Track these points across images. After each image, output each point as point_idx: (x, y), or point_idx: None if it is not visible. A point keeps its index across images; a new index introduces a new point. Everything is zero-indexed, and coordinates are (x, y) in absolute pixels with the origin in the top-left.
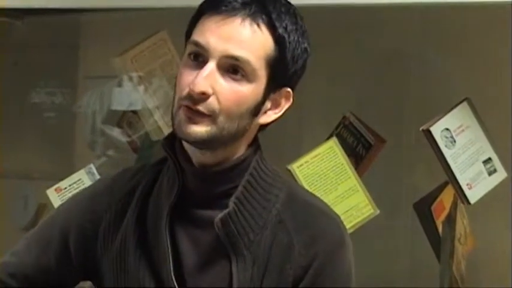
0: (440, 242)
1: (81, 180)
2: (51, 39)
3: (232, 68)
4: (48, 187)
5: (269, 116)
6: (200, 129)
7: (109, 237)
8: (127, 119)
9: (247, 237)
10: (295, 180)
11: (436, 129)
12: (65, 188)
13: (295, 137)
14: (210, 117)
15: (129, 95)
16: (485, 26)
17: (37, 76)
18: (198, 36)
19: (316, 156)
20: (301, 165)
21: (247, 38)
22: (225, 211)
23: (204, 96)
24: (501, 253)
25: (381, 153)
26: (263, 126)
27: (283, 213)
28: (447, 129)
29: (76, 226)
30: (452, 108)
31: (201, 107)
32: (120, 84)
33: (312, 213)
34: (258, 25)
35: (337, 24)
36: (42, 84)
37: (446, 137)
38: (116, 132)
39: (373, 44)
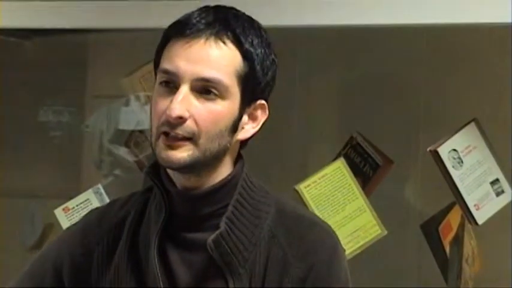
0: (447, 263)
1: (89, 200)
2: (59, 59)
3: (205, 88)
4: (55, 206)
5: (247, 131)
6: (182, 155)
7: (102, 269)
8: (134, 138)
9: (241, 256)
10: (303, 201)
11: (444, 150)
12: (73, 207)
13: (302, 157)
14: (191, 140)
15: (136, 115)
16: (492, 46)
17: (45, 95)
18: (166, 63)
19: (323, 176)
20: (308, 186)
21: (215, 58)
22: (217, 232)
23: (181, 121)
24: (509, 275)
25: (388, 174)
26: (244, 143)
27: (274, 228)
28: (454, 150)
29: (69, 259)
30: (459, 129)
31: (180, 131)
32: (127, 104)
33: (303, 225)
34: (224, 42)
35: (345, 45)
36: (49, 103)
37: (454, 158)
38: (123, 152)
39: (381, 65)
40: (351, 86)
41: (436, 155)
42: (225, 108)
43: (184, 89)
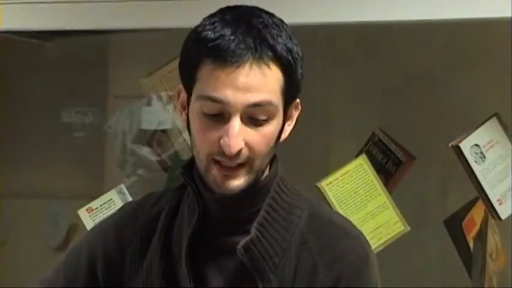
0: (471, 258)
1: (112, 200)
2: (81, 60)
3: (256, 114)
4: (79, 207)
5: (286, 131)
6: (239, 182)
7: (135, 264)
8: (157, 138)
9: (272, 262)
10: (325, 198)
11: (466, 145)
12: (96, 208)
13: (323, 154)
14: (246, 164)
15: (159, 115)
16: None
17: (67, 96)
18: (210, 91)
19: (345, 173)
20: (330, 183)
21: (262, 82)
22: (247, 238)
23: (238, 153)
24: None
25: (410, 170)
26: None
27: (306, 234)
28: (477, 145)
29: (102, 254)
30: (481, 124)
31: (237, 161)
32: (149, 104)
33: (334, 233)
34: (268, 65)
35: (367, 42)
36: (72, 103)
37: (476, 153)
38: (145, 152)
39: (402, 61)
40: (371, 82)
41: (458, 150)
42: (275, 126)
43: (237, 120)
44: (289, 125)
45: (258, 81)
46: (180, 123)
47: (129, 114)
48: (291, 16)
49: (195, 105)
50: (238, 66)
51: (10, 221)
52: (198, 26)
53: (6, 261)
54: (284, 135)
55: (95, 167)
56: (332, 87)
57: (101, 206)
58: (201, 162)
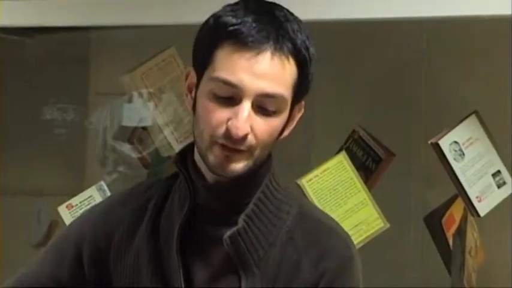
0: (450, 255)
1: (92, 197)
2: (62, 57)
3: (266, 104)
4: (60, 203)
5: (286, 131)
6: (239, 165)
7: (122, 251)
8: (137, 135)
9: (256, 254)
10: (305, 195)
11: (445, 143)
12: (76, 204)
13: (304, 152)
14: (248, 152)
15: (139, 111)
16: (493, 39)
17: (48, 93)
18: (226, 73)
19: (325, 170)
20: (310, 180)
21: (279, 74)
22: (234, 228)
23: (244, 137)
24: (510, 266)
25: (390, 167)
26: None
27: (293, 230)
28: (456, 142)
29: (90, 238)
30: (460, 122)
31: (240, 146)
32: (130, 101)
33: (321, 231)
34: (287, 57)
35: (347, 38)
36: (53, 100)
37: (455, 150)
38: (126, 149)
39: (383, 58)
40: (352, 80)
41: (437, 147)
42: (281, 120)
43: (248, 106)
44: (290, 125)
45: (277, 72)
46: (161, 120)
47: (110, 111)
48: None
49: (206, 86)
50: (258, 53)
51: None
52: (217, 12)
53: None
54: (284, 134)
55: (76, 163)
56: (313, 86)
57: (80, 202)
58: (203, 142)
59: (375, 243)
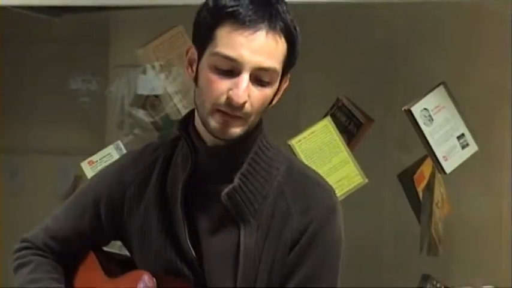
0: (420, 207)
1: (110, 154)
2: (86, 34)
3: (261, 76)
4: (83, 160)
5: (275, 99)
6: (236, 130)
7: (134, 205)
8: (150, 102)
9: (252, 207)
10: (294, 154)
11: (416, 109)
12: (96, 161)
13: (294, 116)
14: (244, 118)
15: (152, 81)
16: (458, 20)
17: (74, 66)
18: (227, 49)
19: (312, 133)
20: (299, 141)
21: (273, 50)
22: (231, 186)
23: (243, 105)
24: (473, 216)
25: (369, 131)
26: None
27: (283, 184)
28: (426, 109)
29: (106, 195)
30: (430, 91)
31: (239, 113)
32: (144, 72)
33: (308, 184)
34: (279, 35)
35: (334, 19)
36: (78, 73)
37: (425, 116)
38: (140, 114)
39: (365, 36)
40: (338, 55)
41: (409, 113)
42: (272, 90)
43: (246, 77)
44: (278, 94)
45: (271, 48)
46: (171, 89)
47: (127, 82)
48: None
49: (207, 60)
50: (255, 31)
51: (27, 174)
52: None
53: (22, 209)
54: (273, 102)
55: (97, 127)
56: (303, 59)
57: (100, 159)
58: (205, 109)
59: (355, 197)
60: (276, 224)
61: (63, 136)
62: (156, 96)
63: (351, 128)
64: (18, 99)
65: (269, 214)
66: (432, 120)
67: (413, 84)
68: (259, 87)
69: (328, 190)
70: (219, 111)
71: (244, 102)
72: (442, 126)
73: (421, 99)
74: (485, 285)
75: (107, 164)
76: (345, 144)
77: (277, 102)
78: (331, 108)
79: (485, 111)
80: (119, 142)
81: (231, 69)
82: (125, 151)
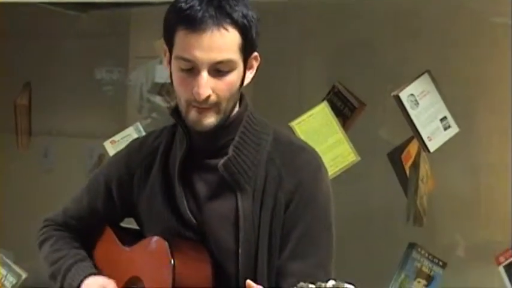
0: (407, 183)
1: (130, 135)
2: (109, 28)
3: (220, 68)
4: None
5: (248, 78)
6: (211, 119)
7: (141, 185)
8: (166, 89)
9: (246, 175)
10: (295, 134)
11: (404, 95)
12: (118, 140)
13: (295, 101)
14: (215, 107)
15: (167, 71)
16: (443, 12)
17: (98, 57)
18: (183, 52)
19: (311, 115)
20: (299, 123)
21: (223, 43)
22: (226, 157)
23: (207, 98)
24: (454, 191)
25: (362, 114)
26: (241, 85)
27: (272, 153)
28: (412, 94)
29: (116, 178)
30: (416, 78)
31: (206, 105)
32: (161, 62)
33: (294, 150)
34: (226, 29)
35: (332, 14)
36: (102, 64)
37: (412, 101)
38: (158, 100)
39: (359, 31)
40: (334, 47)
41: (397, 98)
42: (236, 75)
43: (205, 74)
44: (251, 73)
45: (220, 43)
46: None
47: (146, 71)
48: None
49: (174, 63)
50: (203, 32)
51: (57, 154)
52: None
53: (53, 185)
54: (247, 81)
55: (119, 112)
56: (303, 51)
57: (121, 139)
58: (182, 107)
59: (348, 174)
60: (269, 188)
61: (89, 120)
62: (172, 84)
63: (345, 111)
64: (49, 88)
65: (262, 180)
66: (418, 104)
67: (401, 72)
68: (221, 77)
69: (313, 153)
70: (193, 106)
71: (208, 96)
72: (427, 110)
73: (408, 86)
74: (465, 252)
75: (127, 142)
76: (340, 126)
77: (280, 88)
78: (328, 94)
79: (467, 98)
80: (138, 124)
81: (192, 68)
82: (143, 132)
